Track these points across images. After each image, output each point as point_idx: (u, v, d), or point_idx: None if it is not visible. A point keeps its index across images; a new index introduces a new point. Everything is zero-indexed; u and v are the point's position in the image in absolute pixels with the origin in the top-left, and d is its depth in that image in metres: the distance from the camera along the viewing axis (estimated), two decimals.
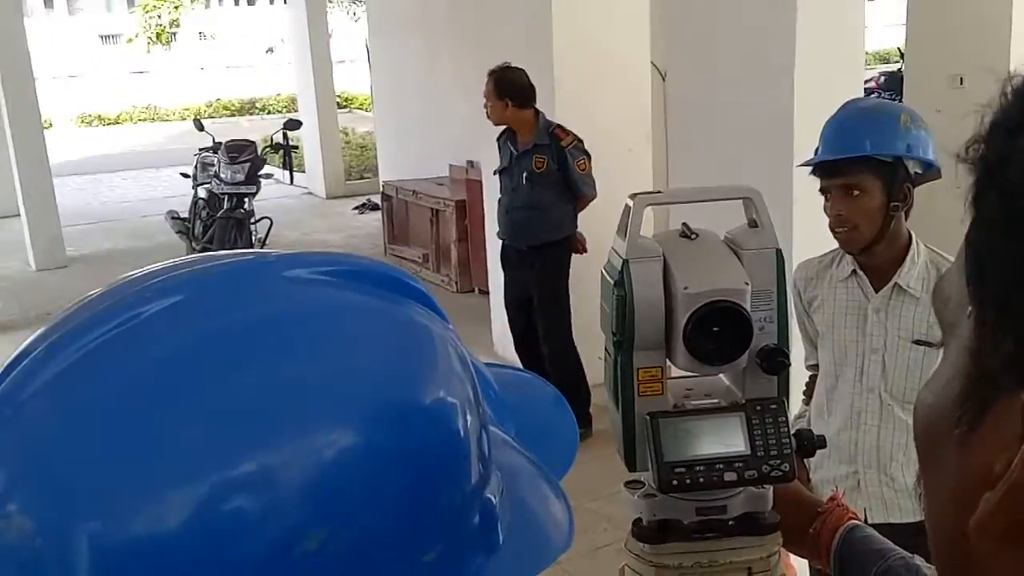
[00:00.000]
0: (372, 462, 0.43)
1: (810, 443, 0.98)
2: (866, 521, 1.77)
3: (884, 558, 0.92)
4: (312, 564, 0.40)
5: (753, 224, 0.98)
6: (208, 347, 0.43)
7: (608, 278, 0.98)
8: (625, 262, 0.95)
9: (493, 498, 0.50)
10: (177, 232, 7.91)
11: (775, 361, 0.94)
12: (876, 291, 1.91)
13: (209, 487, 0.39)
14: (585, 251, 4.31)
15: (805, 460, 1.94)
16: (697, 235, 0.98)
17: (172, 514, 0.38)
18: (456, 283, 7.05)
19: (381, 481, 0.43)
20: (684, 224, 0.99)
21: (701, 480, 0.94)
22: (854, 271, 1.93)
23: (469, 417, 0.48)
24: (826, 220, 1.90)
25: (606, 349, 1.01)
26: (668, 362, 0.97)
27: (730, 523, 1.00)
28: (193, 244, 7.62)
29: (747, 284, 0.92)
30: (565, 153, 4.19)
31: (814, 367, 2.06)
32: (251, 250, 0.54)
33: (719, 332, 0.91)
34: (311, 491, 0.41)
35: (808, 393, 2.09)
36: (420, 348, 0.49)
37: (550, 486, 0.57)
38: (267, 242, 7.46)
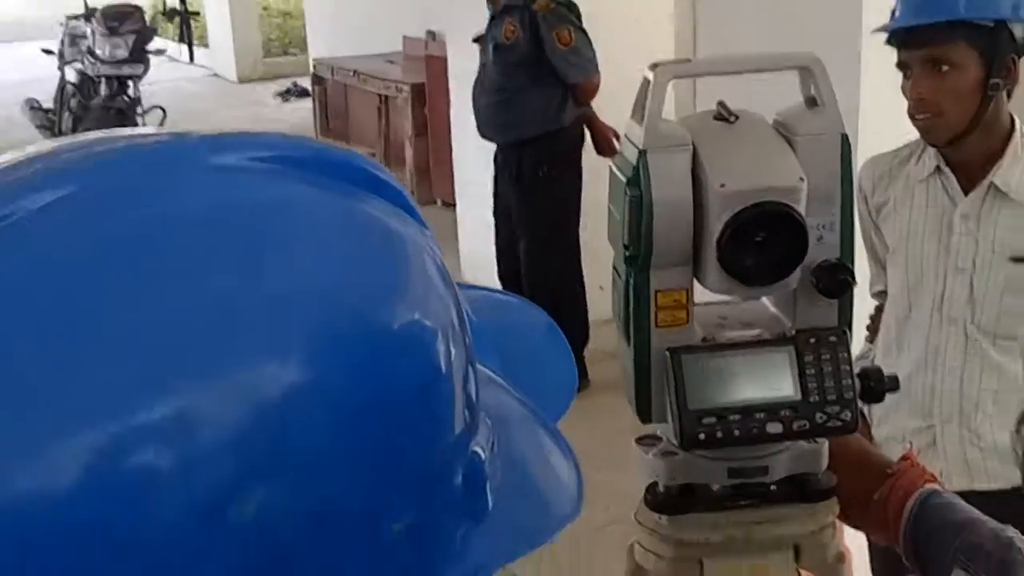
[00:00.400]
0: (325, 404, 0.43)
1: (879, 385, 1.00)
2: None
3: (968, 530, 0.94)
4: (248, 533, 0.41)
5: (812, 103, 0.98)
6: (110, 255, 0.42)
7: (619, 175, 0.98)
8: (642, 153, 0.95)
9: (481, 453, 0.51)
10: (39, 127, 7.83)
11: (836, 280, 0.96)
12: (965, 193, 1.92)
13: (111, 435, 0.39)
14: (612, 150, 4.18)
15: (867, 411, 1.98)
16: (737, 117, 0.98)
17: (65, 469, 0.39)
18: (413, 193, 7.00)
19: (337, 429, 0.43)
20: (720, 103, 0.99)
21: (736, 433, 0.96)
22: (938, 168, 1.94)
23: (453, 348, 0.49)
24: (904, 103, 1.90)
25: (615, 267, 1.02)
26: (696, 283, 0.98)
27: (772, 488, 1.03)
28: None
29: (802, 180, 0.92)
30: (537, 19, 4.06)
31: (882, 294, 2.09)
32: (165, 130, 0.54)
33: (763, 243, 0.92)
34: (245, 441, 0.41)
35: (873, 328, 2.12)
36: (389, 258, 0.49)
37: (551, 436, 0.58)
38: None
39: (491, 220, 4.55)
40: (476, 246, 5.15)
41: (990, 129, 1.89)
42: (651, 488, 1.06)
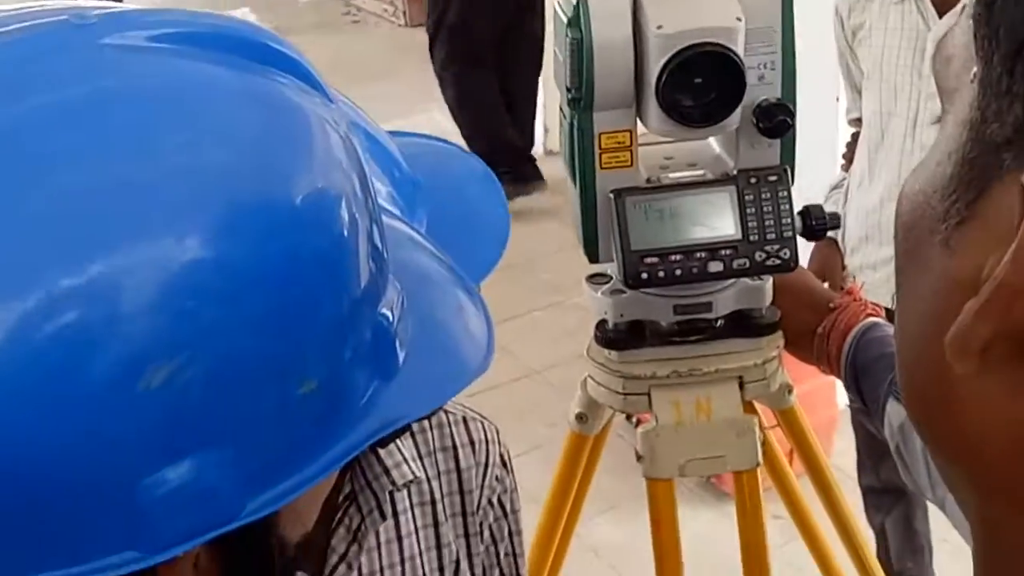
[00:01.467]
0: (229, 274, 0.45)
1: (819, 223, 1.01)
2: None
3: None
4: (160, 400, 0.44)
5: None
6: (14, 137, 0.44)
7: (561, 14, 0.97)
8: None
9: (390, 313, 0.53)
10: None
11: (776, 121, 0.96)
12: (940, 16, 1.88)
13: (25, 308, 0.42)
14: None
15: (840, 242, 1.99)
16: None
17: None
18: (405, 14, 6.85)
19: (242, 297, 0.45)
20: None
21: (678, 272, 0.98)
22: None
23: (357, 214, 0.50)
24: None
25: (560, 109, 1.02)
26: (639, 124, 0.99)
27: (717, 323, 1.06)
28: None
29: (740, 20, 0.92)
30: None
31: (858, 121, 2.07)
32: (64, 5, 0.54)
33: (702, 84, 0.92)
34: (153, 313, 0.43)
35: (849, 156, 2.11)
36: (289, 131, 0.50)
37: (466, 294, 0.60)
38: None
39: None
40: None
41: None
42: (601, 325, 1.09)
